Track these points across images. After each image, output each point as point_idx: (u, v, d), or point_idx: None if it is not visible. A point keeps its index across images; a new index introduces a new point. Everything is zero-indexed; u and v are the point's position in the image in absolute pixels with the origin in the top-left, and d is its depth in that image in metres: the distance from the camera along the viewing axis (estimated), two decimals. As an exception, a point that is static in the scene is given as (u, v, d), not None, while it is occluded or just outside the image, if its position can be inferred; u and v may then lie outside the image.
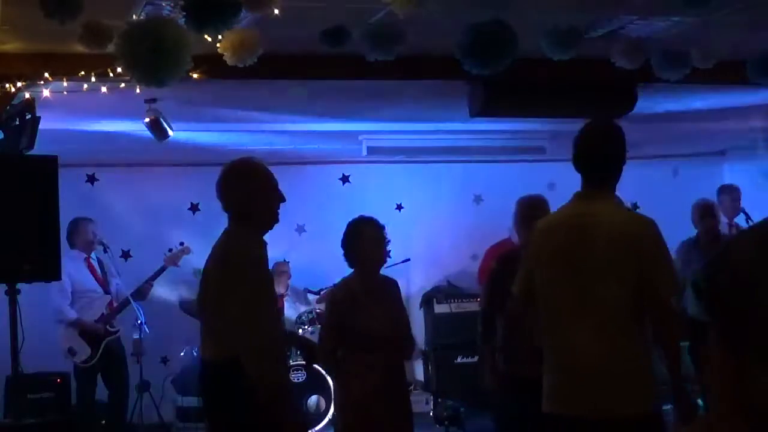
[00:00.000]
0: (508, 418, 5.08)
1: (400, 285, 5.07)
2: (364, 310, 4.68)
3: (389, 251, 5.04)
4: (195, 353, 7.65)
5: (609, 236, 3.44)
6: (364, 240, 4.76)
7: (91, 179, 8.80)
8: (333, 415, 7.65)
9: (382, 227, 4.82)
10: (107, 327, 7.28)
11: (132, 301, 7.34)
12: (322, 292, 8.42)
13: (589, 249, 3.45)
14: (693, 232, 7.10)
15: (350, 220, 4.87)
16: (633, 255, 3.41)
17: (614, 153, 3.58)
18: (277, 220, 4.07)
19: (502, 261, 5.20)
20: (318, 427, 7.77)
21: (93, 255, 7.47)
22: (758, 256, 1.83)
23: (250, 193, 3.96)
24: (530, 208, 5.09)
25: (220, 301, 3.83)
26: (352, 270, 4.89)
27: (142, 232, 8.67)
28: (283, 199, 4.07)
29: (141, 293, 7.46)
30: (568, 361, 3.46)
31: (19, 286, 4.89)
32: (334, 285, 5.09)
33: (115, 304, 7.42)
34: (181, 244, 7.95)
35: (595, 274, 3.42)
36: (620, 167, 3.59)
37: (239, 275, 3.80)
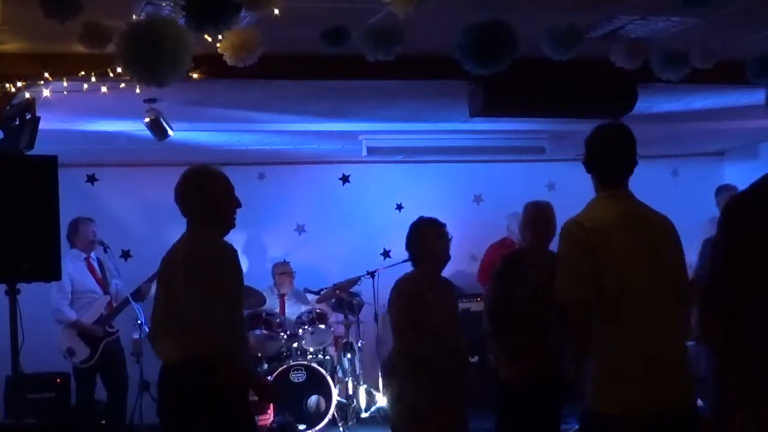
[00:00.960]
0: (512, 417, 5.12)
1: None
2: (428, 305, 4.76)
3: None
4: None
5: (664, 233, 3.60)
6: (426, 239, 4.90)
7: (91, 179, 8.81)
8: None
9: (443, 225, 5.00)
10: (106, 328, 7.28)
11: (132, 301, 7.34)
12: (322, 292, 8.42)
13: (655, 246, 3.54)
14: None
15: (412, 221, 5.03)
16: (680, 251, 3.62)
17: (630, 153, 3.66)
18: (233, 225, 4.18)
19: (507, 261, 5.21)
20: (318, 427, 7.77)
21: (93, 255, 7.46)
22: None
23: (209, 199, 4.09)
24: (539, 211, 5.19)
25: (192, 300, 3.80)
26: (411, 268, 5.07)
27: (142, 232, 8.68)
28: (239, 205, 4.17)
29: (140, 294, 7.45)
30: (654, 355, 3.44)
31: (19, 286, 4.88)
32: (400, 279, 5.05)
33: (114, 305, 7.42)
34: (182, 244, 7.94)
35: (664, 270, 3.52)
36: (634, 168, 3.69)
37: (212, 272, 3.84)
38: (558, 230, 5.18)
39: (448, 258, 4.98)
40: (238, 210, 4.18)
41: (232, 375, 3.78)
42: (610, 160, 3.64)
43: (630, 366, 3.45)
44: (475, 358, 8.71)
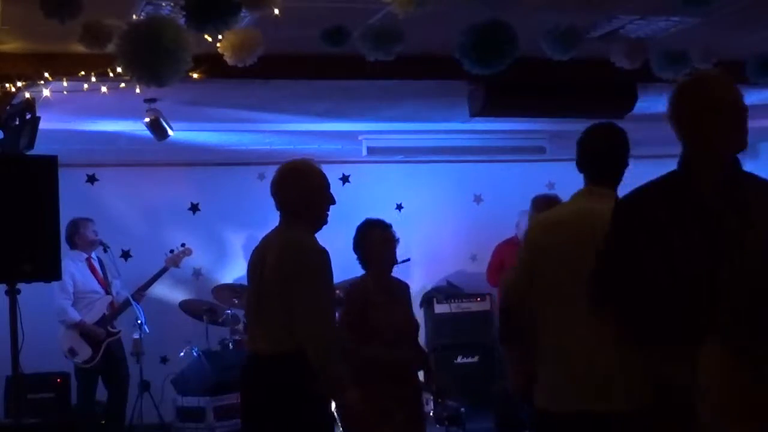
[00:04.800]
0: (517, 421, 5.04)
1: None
2: (380, 307, 4.71)
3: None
4: (195, 353, 7.65)
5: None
6: (372, 242, 4.83)
7: (91, 179, 8.80)
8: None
9: (389, 226, 4.89)
10: (108, 328, 7.28)
11: (132, 301, 7.34)
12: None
13: (590, 247, 3.44)
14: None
15: (358, 224, 4.91)
16: None
17: (618, 153, 3.60)
18: (326, 221, 4.15)
19: None
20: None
21: (94, 255, 7.46)
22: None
23: (305, 194, 4.03)
24: (549, 206, 5.07)
25: (287, 295, 3.82)
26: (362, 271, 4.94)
27: (142, 232, 8.67)
28: (333, 201, 4.13)
29: (141, 294, 7.49)
30: (572, 358, 3.42)
31: (19, 286, 4.88)
32: (351, 283, 5.07)
33: (116, 305, 7.42)
34: (183, 245, 7.95)
35: None
36: (623, 168, 3.61)
37: (309, 270, 3.85)
38: None
39: (394, 261, 4.92)
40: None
41: (322, 374, 3.75)
42: (586, 157, 3.60)
43: (555, 368, 3.45)
44: (475, 358, 8.75)
